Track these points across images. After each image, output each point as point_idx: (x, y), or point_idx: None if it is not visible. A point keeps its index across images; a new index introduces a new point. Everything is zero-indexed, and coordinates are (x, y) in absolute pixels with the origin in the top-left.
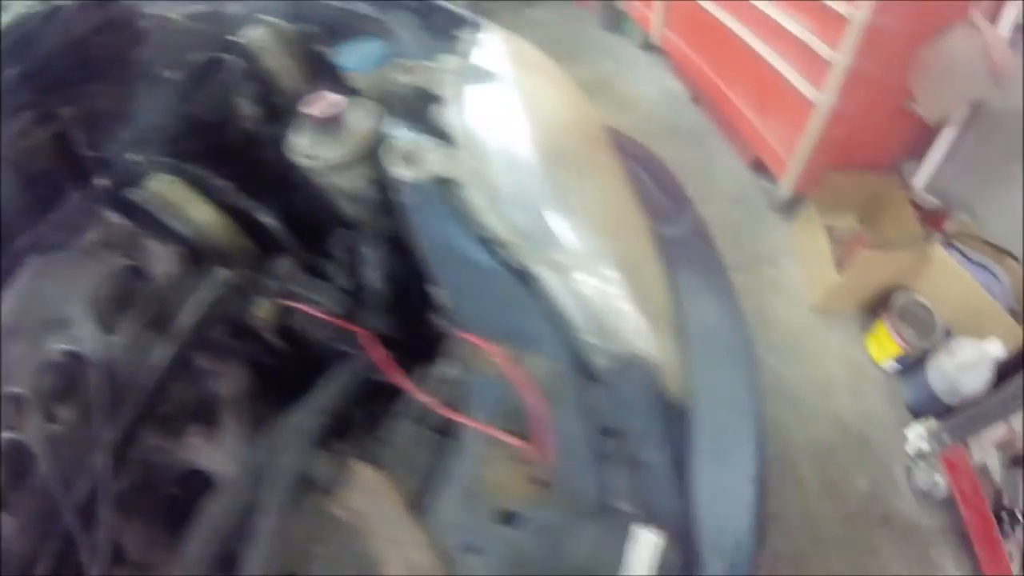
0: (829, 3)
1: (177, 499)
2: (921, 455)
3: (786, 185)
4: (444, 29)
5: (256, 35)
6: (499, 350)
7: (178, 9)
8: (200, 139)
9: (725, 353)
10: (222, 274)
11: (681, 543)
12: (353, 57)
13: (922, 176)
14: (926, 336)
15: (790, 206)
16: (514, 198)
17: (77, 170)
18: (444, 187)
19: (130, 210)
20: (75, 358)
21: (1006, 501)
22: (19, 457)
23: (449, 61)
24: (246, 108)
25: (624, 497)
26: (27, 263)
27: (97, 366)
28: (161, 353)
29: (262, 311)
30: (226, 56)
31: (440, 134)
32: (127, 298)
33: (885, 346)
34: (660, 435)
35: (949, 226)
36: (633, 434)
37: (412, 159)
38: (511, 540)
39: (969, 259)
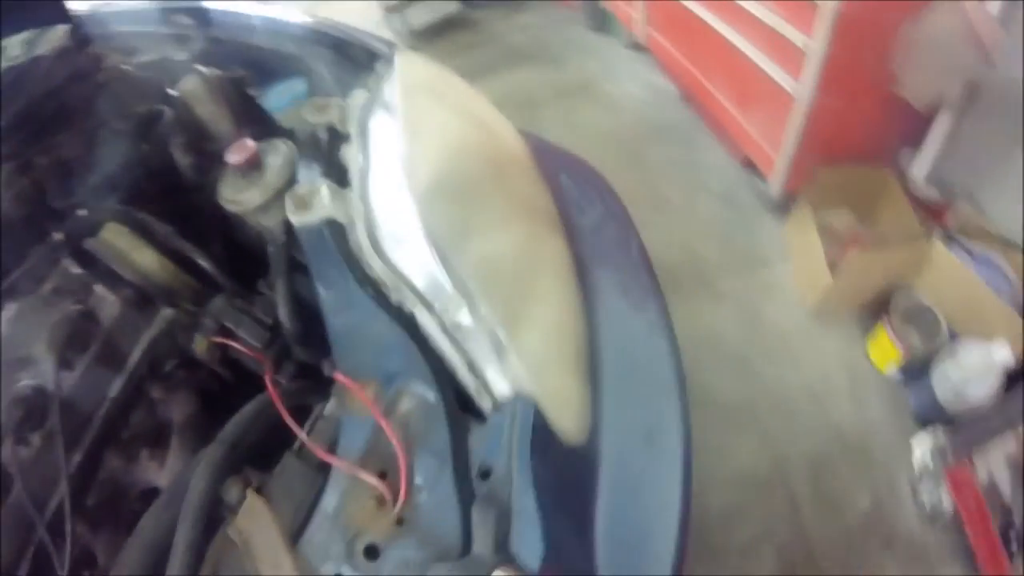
0: None
1: (139, 514)
2: (926, 471)
3: (776, 183)
4: (361, 63)
5: (188, 86)
6: (362, 390)
7: (131, 59)
8: (146, 186)
9: (641, 379)
10: (166, 313)
11: None
12: (275, 98)
13: (920, 166)
14: (930, 339)
15: (782, 205)
16: (392, 237)
17: (42, 221)
18: (334, 229)
19: (84, 258)
20: (39, 392)
21: (1016, 519)
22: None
23: (357, 96)
24: (181, 157)
25: (485, 540)
26: (6, 306)
27: (56, 398)
28: (116, 385)
29: (199, 346)
30: (164, 107)
31: (342, 173)
32: (82, 338)
33: (886, 351)
34: (529, 477)
35: (951, 219)
36: (500, 476)
37: (305, 203)
38: (369, 572)
39: (973, 254)
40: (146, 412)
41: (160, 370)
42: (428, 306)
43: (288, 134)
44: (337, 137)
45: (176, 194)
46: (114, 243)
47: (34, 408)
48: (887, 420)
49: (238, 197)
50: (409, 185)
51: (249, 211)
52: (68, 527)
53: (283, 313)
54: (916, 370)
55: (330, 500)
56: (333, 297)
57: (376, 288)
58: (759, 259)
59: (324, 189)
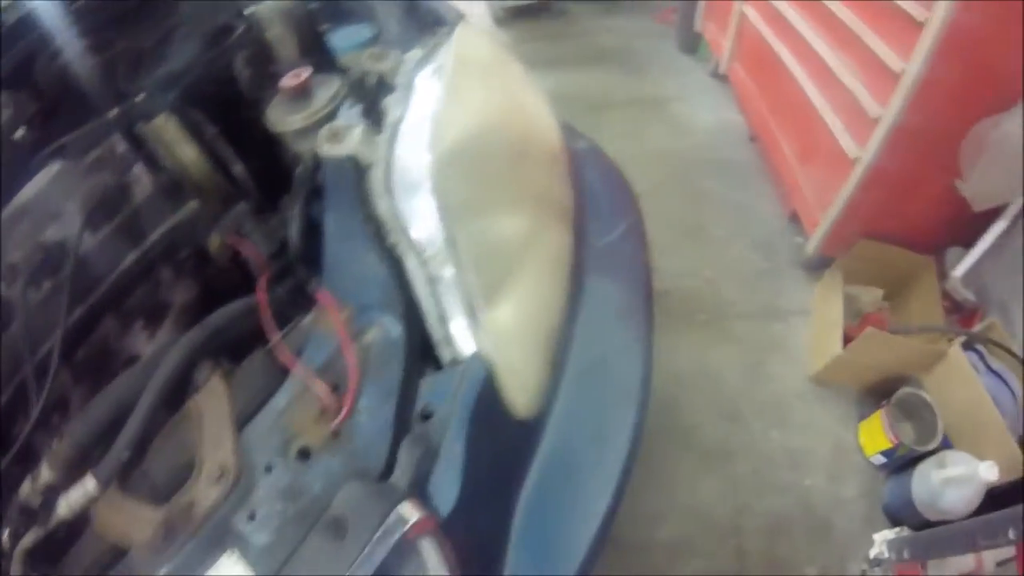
0: (882, 55)
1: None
2: (879, 562)
3: (814, 242)
4: (427, 25)
5: (263, 9)
6: (337, 312)
7: None
8: (203, 90)
9: (604, 385)
10: (192, 205)
11: (449, 540)
12: (341, 38)
13: (962, 265)
14: (923, 439)
15: (816, 265)
16: (404, 185)
17: (105, 97)
18: (355, 165)
19: (132, 140)
20: (60, 246)
21: None
22: (3, 310)
23: (413, 54)
24: (242, 70)
25: (405, 473)
26: (51, 164)
27: (72, 253)
28: (130, 257)
29: (214, 242)
30: (238, 23)
31: (379, 120)
32: (111, 207)
33: (877, 437)
34: (464, 429)
35: (977, 325)
36: (439, 421)
37: (338, 137)
38: (296, 471)
39: (988, 366)
40: (150, 289)
41: (173, 255)
42: (418, 254)
43: (341, 73)
44: (384, 87)
45: (228, 104)
46: (162, 132)
47: (52, 258)
48: (857, 503)
49: (282, 118)
50: (432, 143)
51: (288, 133)
52: (52, 367)
53: (293, 229)
54: (900, 464)
55: (280, 399)
56: (337, 225)
57: (377, 226)
58: (778, 312)
59: (358, 129)
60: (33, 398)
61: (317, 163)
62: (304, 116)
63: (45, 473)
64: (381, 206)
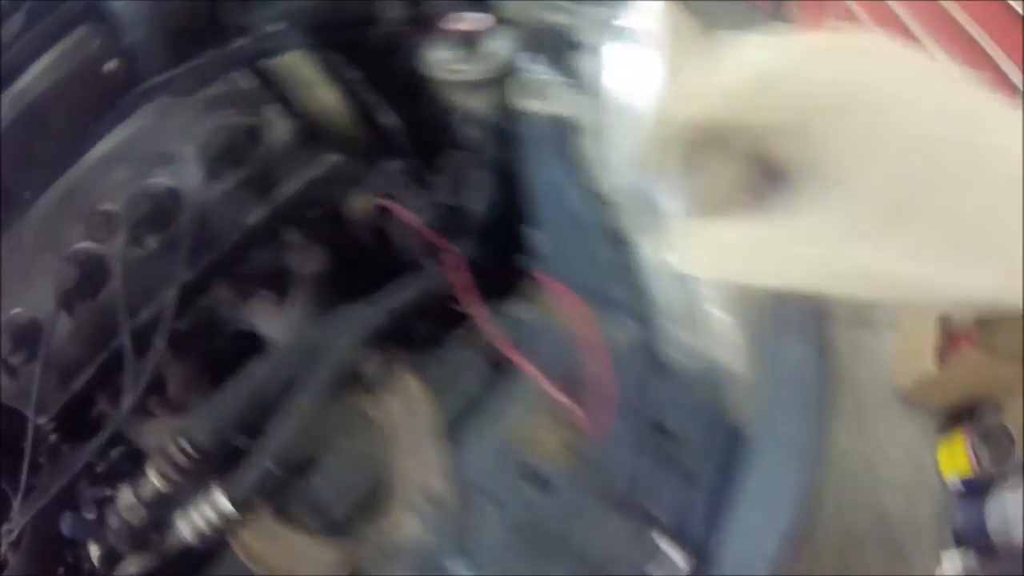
0: (1007, 70)
1: (226, 353)
2: None
3: None
4: None
5: None
6: (581, 306)
7: None
8: (342, 30)
9: (798, 392)
10: (332, 159)
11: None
12: None
13: None
14: (999, 463)
15: None
16: (627, 163)
17: (219, 29)
18: (563, 128)
19: (260, 78)
20: (173, 193)
21: None
22: (95, 269)
23: (598, 11)
24: (393, 11)
25: (658, 502)
26: (154, 101)
27: (191, 206)
28: (256, 214)
29: (360, 204)
30: None
31: (571, 80)
32: (237, 154)
33: (957, 460)
34: (716, 452)
35: None
36: (688, 442)
37: (539, 93)
38: (530, 501)
39: None
40: (273, 254)
41: (304, 215)
42: (655, 240)
43: (508, 23)
44: (568, 44)
45: (371, 48)
46: (296, 72)
47: (163, 209)
48: (931, 525)
49: (450, 67)
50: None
51: (458, 84)
52: (156, 346)
53: (480, 199)
54: (976, 488)
55: (502, 407)
56: (549, 199)
57: (599, 203)
58: (866, 320)
59: (562, 85)
60: (129, 378)
61: (508, 121)
62: (480, 68)
63: (153, 480)
64: (607, 182)
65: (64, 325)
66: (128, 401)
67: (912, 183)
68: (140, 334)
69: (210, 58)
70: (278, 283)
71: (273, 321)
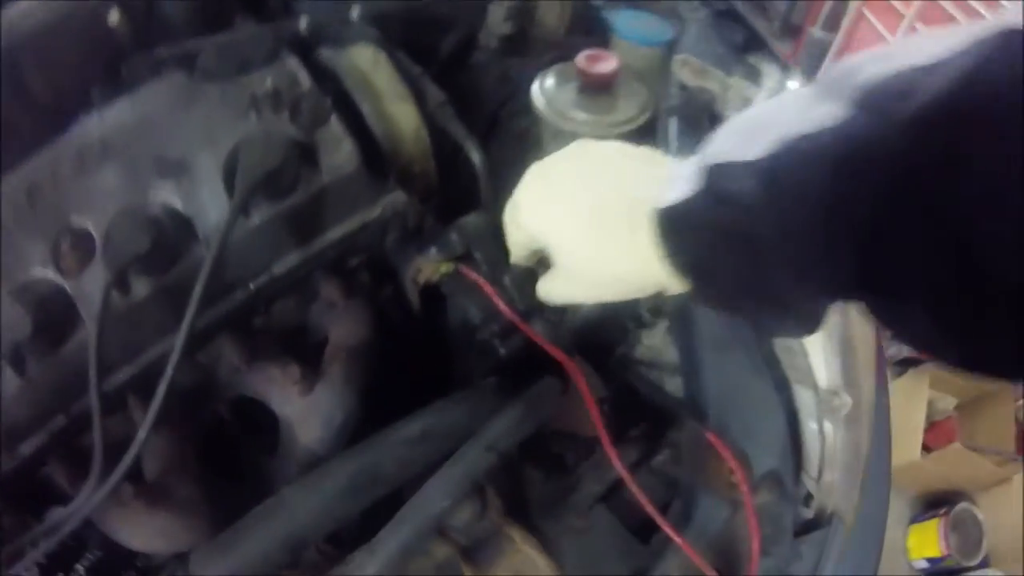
0: None
1: (223, 426)
2: None
3: None
4: (735, 45)
5: None
6: (739, 467)
7: None
8: (431, 31)
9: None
10: (397, 197)
11: None
12: (634, 26)
13: None
14: (965, 555)
15: (904, 362)
16: None
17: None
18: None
19: (318, 75)
20: (178, 221)
21: None
22: (58, 314)
23: (739, 83)
24: (497, 25)
25: None
26: (165, 76)
27: (203, 241)
28: (289, 260)
29: (428, 270)
30: None
31: None
32: (277, 176)
33: (926, 544)
34: None
35: None
36: None
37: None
38: None
39: None
40: (301, 308)
41: (344, 266)
42: (813, 385)
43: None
44: (711, 114)
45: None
46: (369, 74)
47: (158, 238)
48: None
49: (568, 111)
50: None
51: (570, 134)
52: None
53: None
54: (939, 573)
55: None
56: (713, 321)
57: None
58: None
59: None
60: (96, 457)
61: None
62: (611, 120)
63: None
64: None
65: (10, 382)
66: (92, 488)
67: None
68: (112, 398)
69: (251, 33)
70: (303, 349)
71: (292, 398)
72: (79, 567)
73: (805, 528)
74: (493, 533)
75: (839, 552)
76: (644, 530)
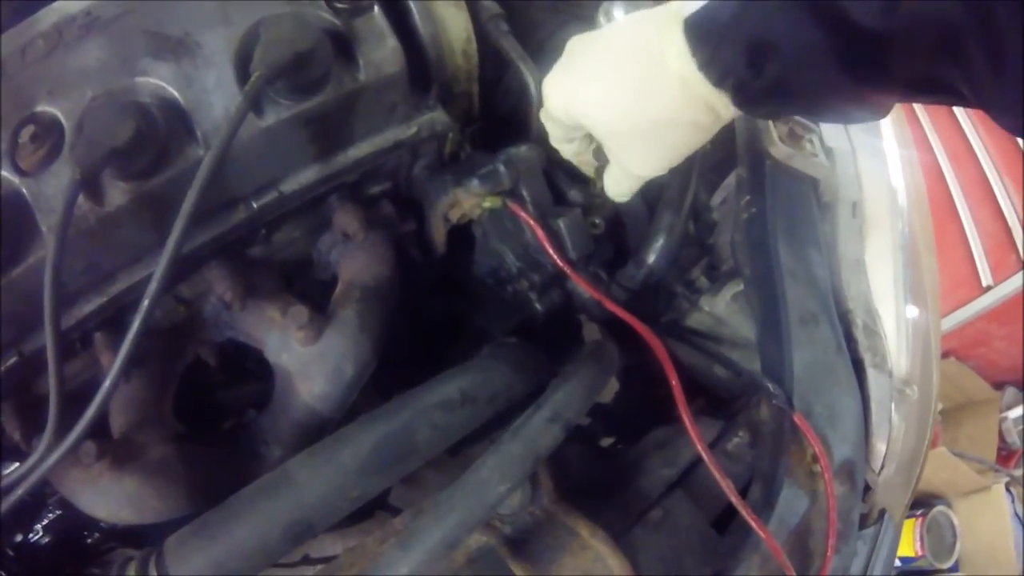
0: None
1: (204, 374)
2: None
3: None
4: None
5: None
6: (824, 456)
7: None
8: None
9: None
10: (438, 117)
11: None
12: None
13: (1018, 409)
14: (937, 556)
15: None
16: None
17: None
18: (818, 193)
19: None
20: (171, 112)
21: None
22: (12, 220)
23: None
24: None
25: None
26: None
27: (200, 140)
28: (300, 176)
29: (467, 204)
30: None
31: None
32: (303, 72)
33: (902, 543)
34: None
35: (1016, 470)
36: None
37: (798, 141)
38: None
39: (1015, 511)
40: (309, 241)
41: (364, 192)
42: (888, 371)
43: None
44: None
45: None
46: None
47: (147, 139)
48: None
49: None
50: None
51: None
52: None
53: (656, 249)
54: (909, 573)
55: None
56: (795, 289)
57: (846, 315)
58: None
59: (819, 139)
60: (53, 406)
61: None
62: None
63: None
64: (853, 281)
65: None
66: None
67: None
68: (77, 332)
69: None
70: (308, 286)
71: (293, 345)
72: (38, 527)
73: (859, 523)
74: (545, 521)
75: (888, 551)
76: (718, 521)
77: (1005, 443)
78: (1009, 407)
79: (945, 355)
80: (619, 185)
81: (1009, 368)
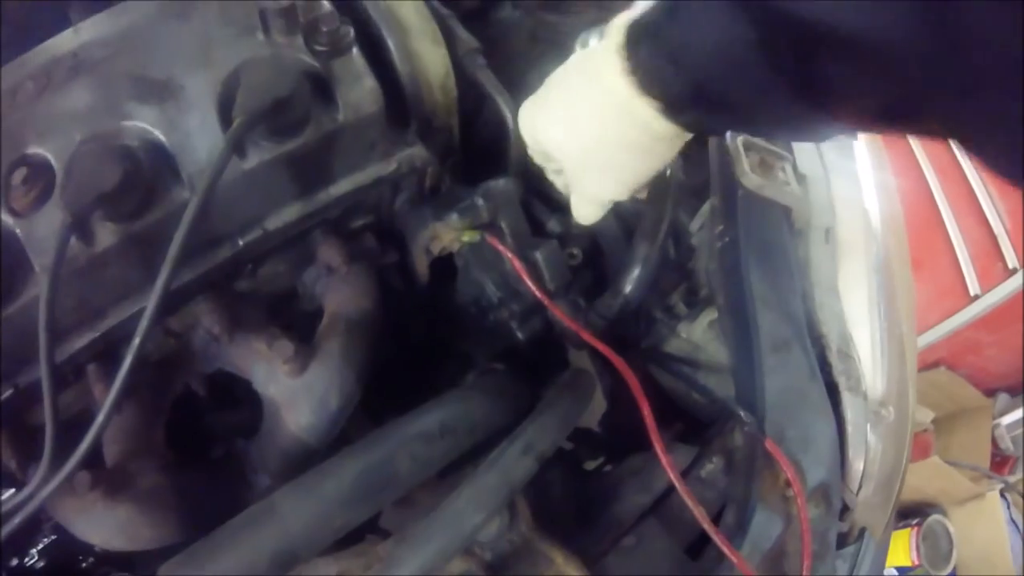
0: None
1: (195, 402)
2: None
3: None
4: None
5: None
6: (797, 482)
7: None
8: None
9: None
10: (419, 154)
11: None
12: None
13: (1010, 415)
14: (933, 565)
15: None
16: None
17: None
18: (790, 222)
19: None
20: (157, 155)
21: None
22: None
23: None
24: None
25: None
26: None
27: (186, 182)
28: (289, 211)
29: (447, 237)
30: None
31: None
32: (283, 109)
33: (897, 552)
34: None
35: (1011, 476)
36: None
37: (768, 169)
38: None
39: (1011, 517)
40: (294, 273)
41: (347, 226)
42: (863, 393)
43: None
44: None
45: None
46: (398, 5)
47: (135, 182)
48: None
49: None
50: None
51: None
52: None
53: (632, 279)
54: None
55: None
56: (768, 313)
57: (817, 339)
58: None
59: (792, 166)
60: (49, 439)
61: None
62: None
63: None
64: (827, 305)
65: None
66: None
67: None
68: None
69: None
70: (293, 318)
71: (280, 377)
72: (33, 552)
73: (838, 542)
74: (522, 548)
75: (871, 568)
76: (692, 547)
77: (999, 449)
78: (1002, 413)
79: (935, 365)
80: (582, 210)
81: (1000, 375)
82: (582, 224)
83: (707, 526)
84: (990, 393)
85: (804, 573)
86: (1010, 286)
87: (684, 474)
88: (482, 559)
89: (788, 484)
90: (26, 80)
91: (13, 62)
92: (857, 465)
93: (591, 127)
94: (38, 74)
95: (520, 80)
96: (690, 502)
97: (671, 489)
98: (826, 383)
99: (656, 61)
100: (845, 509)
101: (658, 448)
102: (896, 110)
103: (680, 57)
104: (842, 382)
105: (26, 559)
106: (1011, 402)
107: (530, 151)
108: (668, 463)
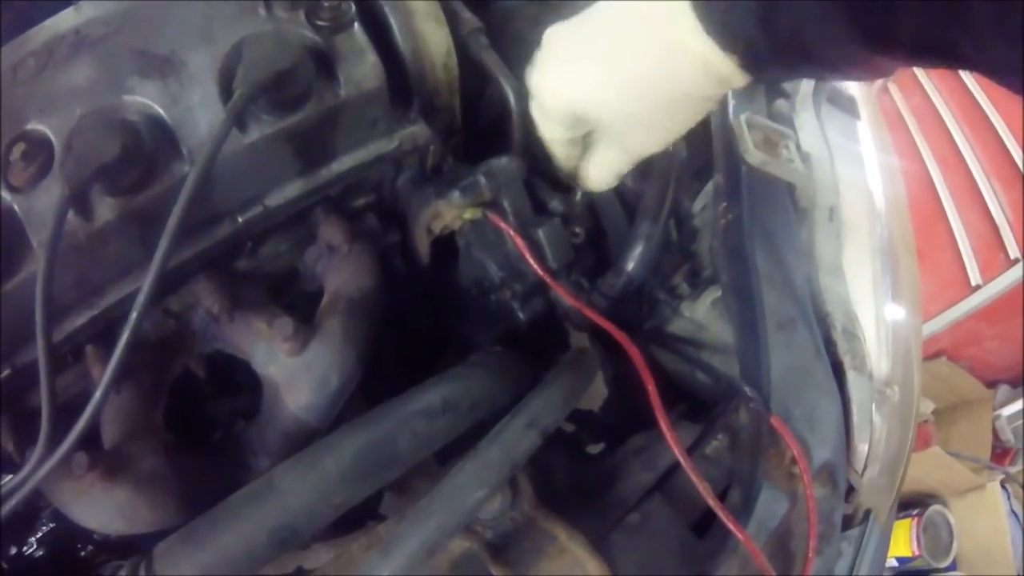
0: None
1: (194, 386)
2: None
3: None
4: None
5: None
6: (803, 460)
7: None
8: None
9: None
10: (421, 132)
11: None
12: None
13: (1011, 407)
14: (933, 556)
15: None
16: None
17: None
18: (794, 199)
19: None
20: (158, 129)
21: None
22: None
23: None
24: None
25: None
26: None
27: (186, 157)
28: (291, 188)
29: (448, 216)
30: None
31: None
32: (285, 83)
33: (897, 543)
34: None
35: (1011, 467)
36: None
37: (773, 147)
38: None
39: (1012, 510)
40: (295, 252)
41: (348, 204)
42: (868, 373)
43: None
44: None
45: None
46: None
47: (134, 156)
48: None
49: None
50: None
51: None
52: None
53: (635, 257)
54: (907, 573)
55: None
56: (771, 292)
57: (823, 318)
58: None
59: (796, 144)
60: (45, 420)
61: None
62: None
63: None
64: (831, 285)
65: None
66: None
67: None
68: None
69: None
70: (295, 297)
71: (280, 356)
72: (32, 540)
73: (843, 524)
74: (525, 526)
75: (874, 551)
76: (697, 525)
77: (999, 441)
78: (1002, 405)
79: (936, 355)
80: (603, 172)
81: (1001, 366)
82: (601, 187)
83: (713, 503)
84: (991, 384)
85: (810, 554)
86: (1012, 276)
87: (688, 452)
88: (483, 537)
89: (794, 462)
90: (28, 57)
91: (15, 40)
92: (862, 446)
93: (651, 85)
94: (40, 51)
95: (523, 63)
96: (695, 478)
97: (676, 466)
98: (831, 362)
99: (744, 16)
100: (850, 490)
101: (663, 423)
102: (942, 47)
103: (770, 14)
104: (847, 361)
105: (25, 547)
106: (1012, 393)
107: (549, 120)
108: (673, 439)
